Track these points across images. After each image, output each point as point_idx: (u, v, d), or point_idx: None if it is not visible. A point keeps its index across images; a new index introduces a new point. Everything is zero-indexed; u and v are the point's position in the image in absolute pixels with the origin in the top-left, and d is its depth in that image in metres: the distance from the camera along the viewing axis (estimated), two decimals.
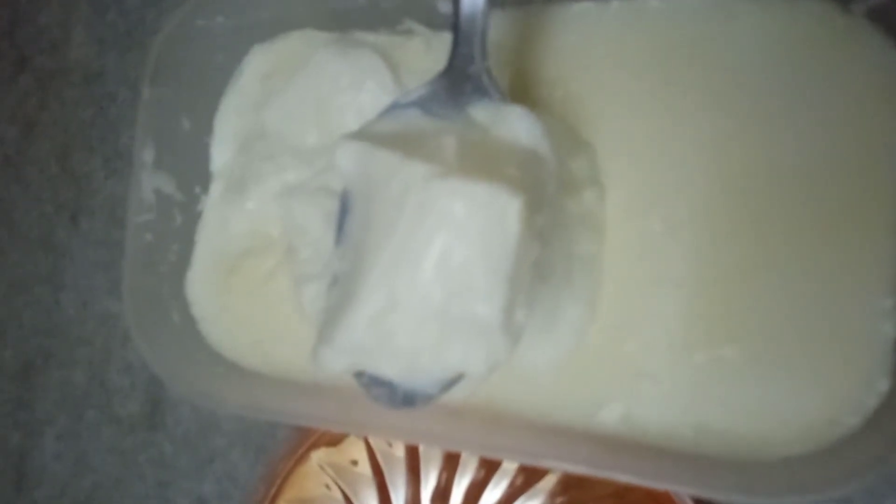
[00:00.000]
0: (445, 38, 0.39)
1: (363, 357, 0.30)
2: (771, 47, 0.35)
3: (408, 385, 0.30)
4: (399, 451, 0.42)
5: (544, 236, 0.30)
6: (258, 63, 0.44)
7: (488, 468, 0.41)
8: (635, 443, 0.36)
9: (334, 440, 0.43)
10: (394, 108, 0.33)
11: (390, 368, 0.30)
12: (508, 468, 0.40)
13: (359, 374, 0.31)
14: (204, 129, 0.44)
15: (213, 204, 0.44)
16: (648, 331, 0.36)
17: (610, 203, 0.37)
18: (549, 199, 0.31)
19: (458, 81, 0.32)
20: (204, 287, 0.43)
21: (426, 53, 0.41)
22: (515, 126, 0.31)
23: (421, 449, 0.42)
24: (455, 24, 0.32)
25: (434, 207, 0.28)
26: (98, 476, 0.50)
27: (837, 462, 0.32)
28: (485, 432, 0.37)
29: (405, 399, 0.31)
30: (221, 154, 0.44)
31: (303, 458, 0.43)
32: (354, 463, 0.43)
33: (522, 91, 0.39)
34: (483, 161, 0.29)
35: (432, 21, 0.40)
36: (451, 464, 0.41)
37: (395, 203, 0.28)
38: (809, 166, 0.34)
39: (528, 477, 0.40)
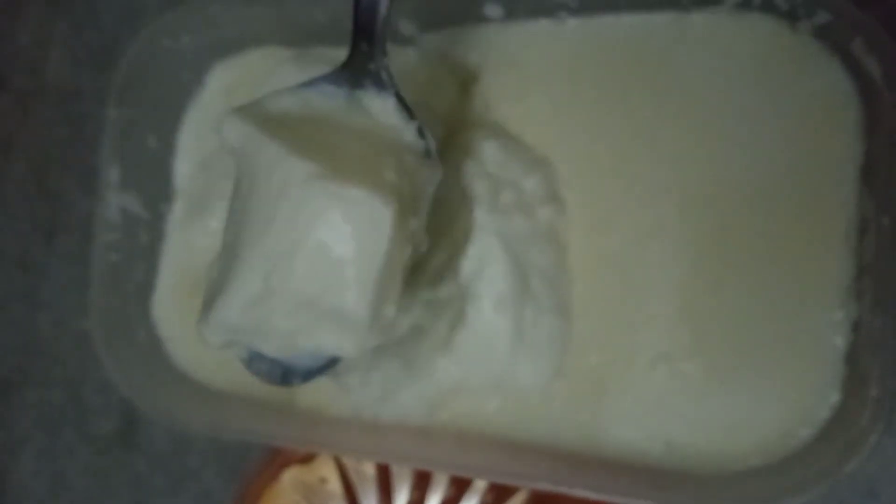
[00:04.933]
0: (406, 53, 0.40)
1: (241, 335, 0.31)
2: (723, 63, 0.36)
3: (287, 362, 0.32)
4: (370, 470, 0.42)
5: (417, 238, 0.32)
6: (220, 80, 0.44)
7: (459, 486, 0.41)
8: (598, 458, 0.36)
9: (305, 458, 0.43)
10: (293, 88, 0.33)
11: (268, 346, 0.31)
12: (479, 485, 0.40)
13: (240, 349, 0.32)
14: (169, 147, 0.45)
15: (176, 223, 0.44)
16: (611, 345, 0.37)
17: (571, 218, 0.38)
18: (426, 199, 0.32)
19: (358, 75, 0.33)
20: (170, 307, 0.43)
21: None
22: (402, 126, 0.33)
23: (392, 467, 0.42)
24: (354, 20, 0.33)
25: (312, 206, 0.29)
26: (75, 495, 0.50)
27: (793, 473, 0.32)
28: (452, 451, 0.38)
29: (284, 375, 0.32)
30: (184, 171, 0.45)
31: (274, 476, 0.43)
32: (324, 481, 0.43)
33: (483, 109, 0.39)
34: (365, 159, 0.30)
35: (395, 38, 0.41)
36: (422, 482, 0.41)
37: (274, 194, 0.29)
38: (762, 180, 0.35)
39: (499, 494, 0.40)
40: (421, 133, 0.33)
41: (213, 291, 0.31)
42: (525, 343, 0.36)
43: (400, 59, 0.40)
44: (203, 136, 0.44)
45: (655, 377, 0.35)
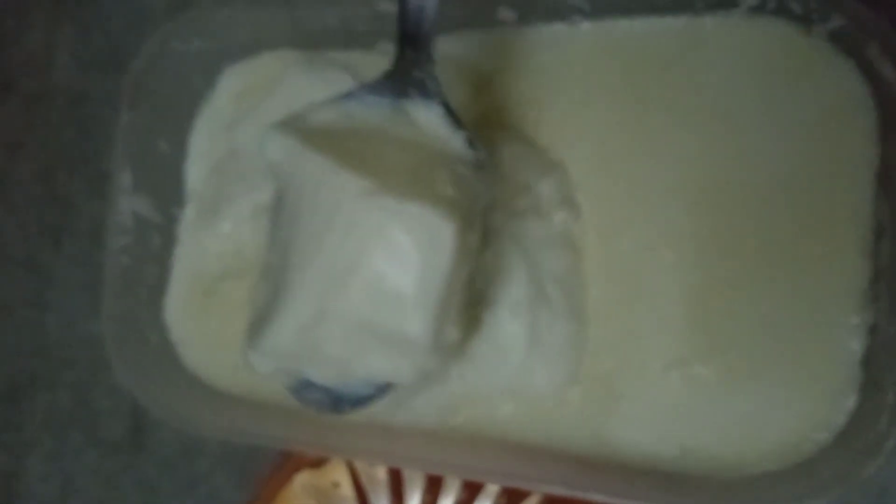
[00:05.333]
0: None
1: (292, 361, 0.30)
2: (737, 68, 0.36)
3: (337, 389, 0.31)
4: (381, 474, 0.42)
5: (474, 254, 0.30)
6: (231, 83, 0.44)
7: (471, 490, 0.41)
8: (613, 462, 0.36)
9: (317, 462, 0.43)
10: (333, 99, 0.32)
11: (319, 374, 0.30)
12: (491, 489, 0.40)
13: (289, 377, 0.31)
14: (181, 151, 0.45)
15: (187, 226, 0.44)
16: (626, 349, 0.37)
17: (586, 222, 0.38)
18: (481, 213, 0.31)
19: (403, 84, 0.32)
20: (181, 310, 0.43)
21: None
22: (451, 136, 0.31)
23: (404, 471, 0.42)
24: (400, 25, 0.31)
25: (366, 224, 0.28)
26: (84, 498, 0.50)
27: (808, 478, 0.32)
28: (465, 455, 0.38)
29: (334, 404, 0.31)
30: (195, 175, 0.44)
31: (286, 480, 0.43)
32: (336, 485, 0.43)
33: (495, 113, 0.39)
34: (419, 171, 0.29)
35: None
36: (433, 486, 0.41)
37: (325, 212, 0.28)
38: (778, 185, 0.35)
39: (511, 498, 0.40)
40: (471, 143, 0.31)
41: (260, 315, 0.30)
42: (539, 348, 0.36)
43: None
44: (214, 139, 0.44)
45: (670, 381, 0.35)
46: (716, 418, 0.35)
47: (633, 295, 0.37)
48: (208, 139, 0.44)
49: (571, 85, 0.38)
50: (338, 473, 0.43)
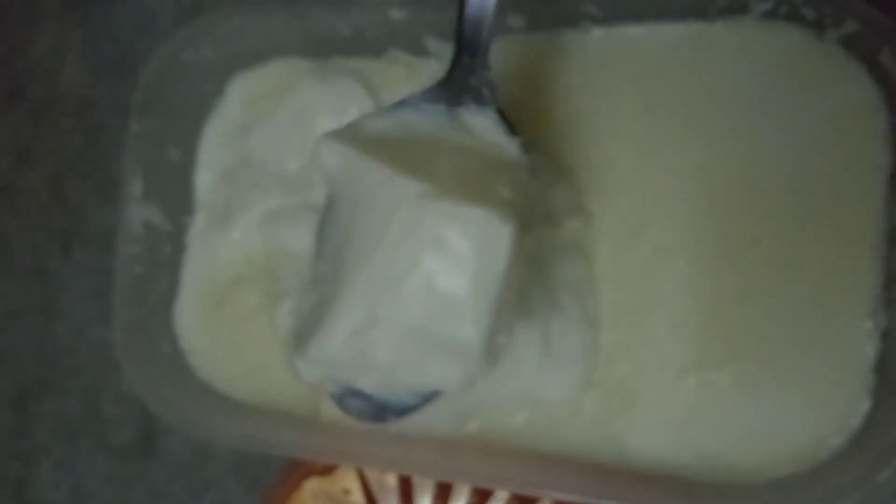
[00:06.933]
0: (428, 65, 0.40)
1: (339, 369, 0.30)
2: (749, 73, 0.36)
3: (382, 398, 0.30)
4: (392, 480, 0.42)
5: (529, 259, 0.30)
6: (241, 90, 0.44)
7: (481, 496, 0.41)
8: (627, 469, 0.36)
9: (327, 469, 0.43)
10: (388, 108, 0.32)
11: (366, 381, 0.30)
12: (501, 496, 0.40)
13: (333, 385, 0.31)
14: (191, 159, 0.45)
15: (198, 234, 0.44)
16: (640, 356, 0.37)
17: (598, 229, 0.38)
18: (534, 220, 0.31)
19: (457, 92, 0.32)
20: (192, 318, 0.43)
21: (408, 79, 0.41)
22: (506, 143, 0.31)
23: (414, 478, 0.42)
24: (458, 29, 0.31)
25: (423, 227, 0.27)
26: None
27: (824, 483, 0.32)
28: (479, 463, 0.37)
29: (377, 412, 0.31)
30: (206, 183, 0.44)
31: (296, 487, 0.43)
32: (347, 492, 0.43)
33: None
34: (475, 176, 0.29)
35: (417, 51, 0.41)
36: (444, 492, 0.41)
37: (381, 217, 0.28)
38: (790, 190, 0.35)
39: None
40: (525, 149, 0.31)
41: (307, 323, 0.30)
42: (553, 355, 0.36)
43: (422, 71, 0.40)
44: (224, 147, 0.44)
45: (684, 388, 0.35)
46: (730, 424, 0.35)
47: (646, 301, 0.37)
48: (218, 147, 0.44)
49: (582, 92, 0.38)
50: (348, 480, 0.43)
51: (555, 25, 0.39)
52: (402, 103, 0.32)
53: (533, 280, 0.36)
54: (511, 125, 0.32)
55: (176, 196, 0.44)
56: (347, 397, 0.31)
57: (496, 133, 0.31)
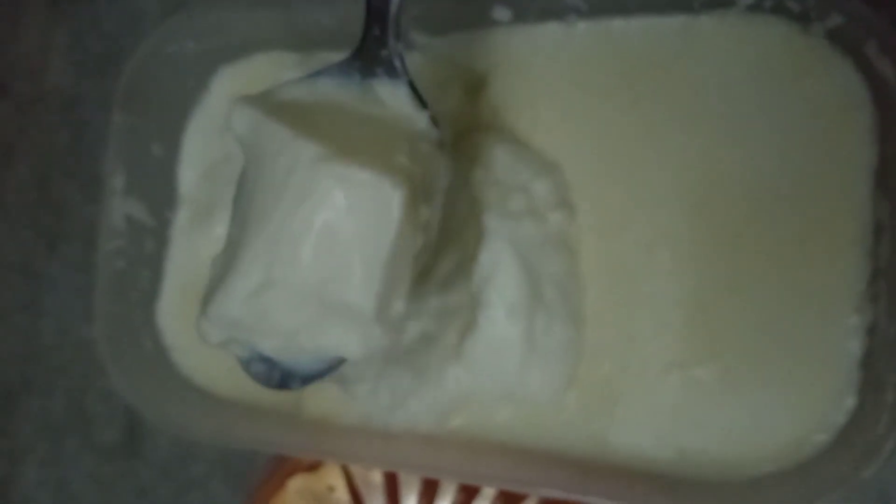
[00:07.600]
0: (413, 58, 0.40)
1: (241, 332, 0.29)
2: (735, 67, 0.36)
3: (287, 364, 0.30)
4: (377, 477, 0.42)
5: (430, 231, 0.30)
6: (226, 85, 0.44)
7: (467, 493, 0.40)
8: (612, 466, 0.36)
9: (312, 466, 0.42)
10: (304, 77, 0.32)
11: (268, 345, 0.30)
12: (487, 493, 0.40)
13: (239, 349, 0.31)
14: (174, 153, 0.44)
15: (180, 230, 0.44)
16: (623, 352, 0.36)
17: (582, 224, 0.38)
18: (440, 190, 0.31)
19: (370, 63, 0.32)
20: (175, 315, 0.43)
21: None
22: (415, 115, 0.32)
23: (400, 475, 0.42)
24: (367, 3, 0.31)
25: (317, 190, 0.27)
26: None
27: (808, 479, 0.32)
28: (463, 460, 0.37)
29: (283, 379, 0.31)
30: (189, 178, 0.44)
31: (280, 485, 0.43)
32: (332, 489, 0.42)
33: (490, 114, 0.39)
34: (378, 145, 0.29)
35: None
36: (429, 489, 0.41)
37: (279, 179, 0.28)
38: (776, 184, 0.35)
39: (508, 501, 0.40)
40: (434, 122, 0.31)
41: (214, 286, 0.30)
42: (537, 351, 0.36)
43: (407, 64, 0.40)
44: (208, 142, 0.44)
45: (668, 384, 0.35)
46: (715, 420, 0.35)
47: (631, 297, 0.36)
48: (202, 142, 0.44)
49: (567, 85, 0.38)
50: (333, 477, 0.42)
51: (540, 19, 0.39)
52: (319, 73, 0.32)
53: (517, 275, 0.35)
54: (422, 98, 0.32)
55: (159, 191, 0.44)
56: (254, 362, 0.31)
57: (406, 105, 0.31)
